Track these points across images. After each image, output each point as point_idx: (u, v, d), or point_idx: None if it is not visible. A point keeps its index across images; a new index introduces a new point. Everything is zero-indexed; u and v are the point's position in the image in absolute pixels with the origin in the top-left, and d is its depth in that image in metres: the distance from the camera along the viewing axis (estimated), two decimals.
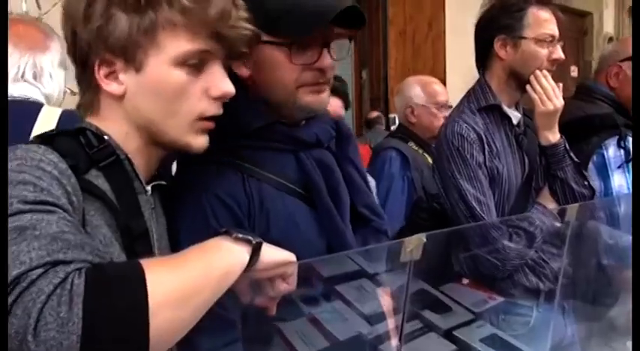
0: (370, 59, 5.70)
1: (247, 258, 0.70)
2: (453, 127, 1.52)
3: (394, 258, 0.96)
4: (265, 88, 1.00)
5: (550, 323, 1.40)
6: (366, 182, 1.14)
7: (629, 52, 1.87)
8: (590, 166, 1.74)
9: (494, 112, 1.56)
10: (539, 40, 1.51)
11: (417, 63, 5.64)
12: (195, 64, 0.79)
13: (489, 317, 1.50)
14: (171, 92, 0.77)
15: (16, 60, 1.44)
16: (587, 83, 1.97)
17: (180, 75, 0.77)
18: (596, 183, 1.71)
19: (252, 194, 0.97)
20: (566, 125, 1.81)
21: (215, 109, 0.82)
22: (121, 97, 0.78)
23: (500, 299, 1.57)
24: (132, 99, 0.78)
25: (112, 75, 0.78)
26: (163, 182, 0.87)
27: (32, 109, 1.39)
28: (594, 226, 1.67)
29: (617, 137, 1.72)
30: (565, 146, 1.53)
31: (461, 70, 6.79)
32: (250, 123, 1.00)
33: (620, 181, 1.72)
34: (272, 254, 0.75)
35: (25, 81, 1.43)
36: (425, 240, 0.92)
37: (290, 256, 0.78)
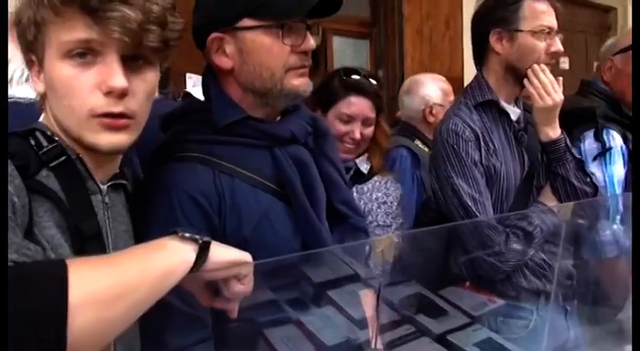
0: (386, 59, 5.65)
1: (193, 257, 0.68)
2: (448, 124, 1.48)
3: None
4: (252, 75, 1.00)
5: (545, 326, 1.35)
6: (344, 179, 1.12)
7: (622, 45, 1.84)
8: None
9: (491, 108, 1.51)
10: (535, 33, 1.45)
11: (434, 62, 5.57)
12: (81, 55, 0.74)
13: (488, 320, 1.46)
14: (59, 87, 0.75)
15: (19, 62, 1.45)
16: (587, 79, 1.94)
17: (65, 68, 0.74)
18: None
19: (223, 191, 0.96)
20: None
21: (110, 106, 0.76)
22: (45, 97, 0.78)
23: (501, 302, 1.52)
24: (48, 98, 0.78)
25: (35, 75, 0.78)
26: (124, 181, 0.86)
27: (36, 111, 1.40)
28: (599, 224, 1.61)
29: (594, 129, 1.69)
30: (566, 142, 1.48)
31: None
32: (222, 118, 1.00)
33: (597, 173, 1.67)
34: (223, 254, 0.73)
35: (29, 83, 1.45)
36: (396, 240, 0.89)
37: (244, 256, 0.76)
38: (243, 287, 0.76)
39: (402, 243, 1.57)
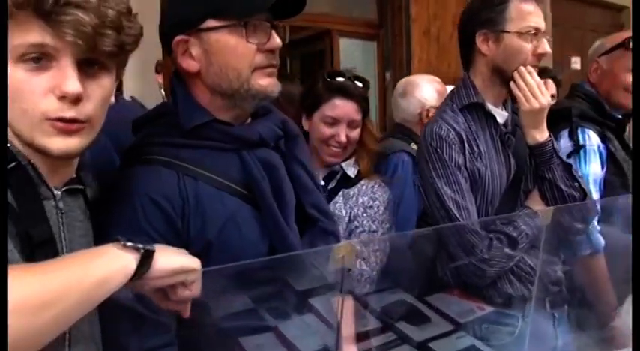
0: (394, 60, 5.62)
1: (133, 266, 0.68)
2: (432, 127, 1.46)
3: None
4: (218, 76, 1.00)
5: (527, 332, 1.32)
6: (315, 182, 1.11)
7: (607, 46, 1.85)
8: None
9: (478, 110, 1.49)
10: (522, 34, 1.43)
11: (442, 63, 5.53)
12: (36, 60, 0.74)
13: (474, 328, 1.43)
14: (12, 90, 0.74)
15: None
16: (576, 81, 1.94)
17: (18, 72, 0.74)
18: None
19: (187, 194, 0.96)
20: None
21: (64, 111, 0.75)
22: None
23: (489, 309, 1.49)
24: None
25: None
26: (80, 186, 0.85)
27: None
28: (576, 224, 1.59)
29: (568, 129, 1.70)
30: (553, 146, 1.44)
31: None
32: (189, 121, 1.00)
33: None
34: (169, 261, 0.72)
35: None
36: (358, 247, 0.88)
37: (191, 263, 0.75)
38: (190, 292, 0.75)
39: (386, 248, 1.56)
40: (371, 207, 1.64)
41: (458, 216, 1.38)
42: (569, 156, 1.69)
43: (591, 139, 1.73)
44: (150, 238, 0.91)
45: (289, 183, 1.06)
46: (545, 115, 1.45)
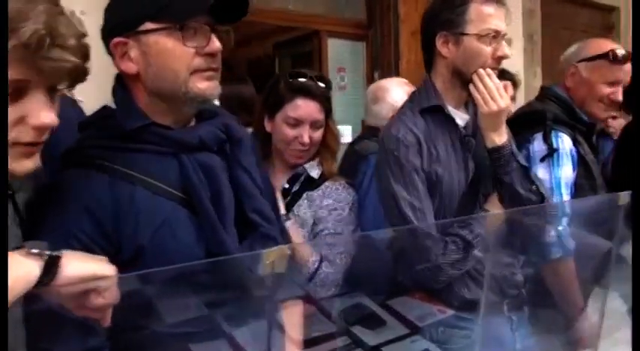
0: (382, 60, 5.60)
1: (37, 273, 0.67)
2: (390, 129, 1.45)
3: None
4: (157, 79, 0.99)
5: (485, 336, 1.31)
6: (259, 187, 1.10)
7: (588, 53, 1.82)
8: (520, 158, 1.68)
9: (437, 113, 1.48)
10: (481, 37, 1.42)
11: None
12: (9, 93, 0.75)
13: (430, 331, 1.43)
14: None
15: None
16: (546, 84, 1.92)
17: None
18: None
19: (119, 198, 0.95)
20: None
21: (32, 137, 0.79)
22: None
23: (450, 312, 1.49)
24: None
25: None
26: (9, 191, 0.85)
27: None
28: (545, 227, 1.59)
29: (542, 132, 1.69)
30: (512, 149, 1.44)
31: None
32: (127, 124, 1.00)
33: (543, 175, 1.67)
34: (78, 268, 0.71)
35: None
36: (289, 252, 0.87)
37: (103, 270, 0.74)
38: (104, 300, 0.74)
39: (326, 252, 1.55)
40: (335, 209, 1.63)
41: (413, 219, 1.37)
42: (543, 159, 1.69)
43: (564, 142, 1.72)
44: (79, 242, 0.90)
45: (229, 187, 1.05)
46: (504, 118, 1.44)
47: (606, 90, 1.79)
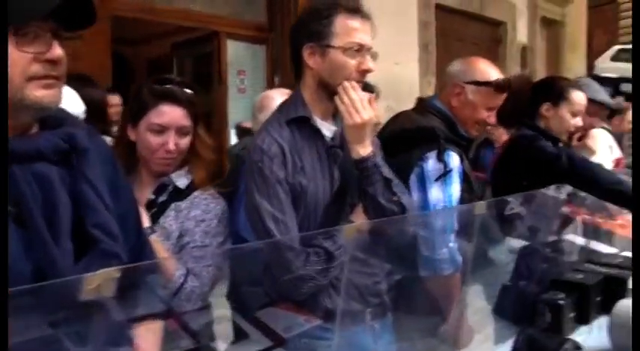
0: (283, 64, 5.61)
1: None
2: (255, 140, 1.44)
3: None
4: None
5: (345, 346, 1.33)
6: (104, 200, 1.04)
7: (475, 75, 1.85)
8: (412, 177, 1.71)
9: (304, 124, 1.48)
10: (346, 50, 1.44)
11: None
12: None
13: (295, 342, 1.42)
14: None
15: None
16: (424, 97, 1.96)
17: None
18: (415, 195, 1.69)
19: None
20: (392, 136, 1.78)
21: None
22: None
23: (318, 321, 1.49)
24: None
25: None
26: None
27: None
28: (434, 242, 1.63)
29: (436, 151, 1.69)
30: (375, 161, 1.47)
31: (375, 76, 6.80)
32: None
33: (438, 194, 1.69)
34: None
35: None
36: (117, 275, 0.82)
37: None
38: None
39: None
40: (203, 220, 1.58)
41: (276, 231, 1.36)
42: (438, 179, 1.70)
43: (454, 160, 1.75)
44: None
45: (67, 200, 0.99)
46: (368, 130, 1.47)
47: (484, 114, 1.86)
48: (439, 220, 1.65)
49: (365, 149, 1.45)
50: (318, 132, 1.49)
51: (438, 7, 6.04)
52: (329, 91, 1.46)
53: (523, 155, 2.23)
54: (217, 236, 1.58)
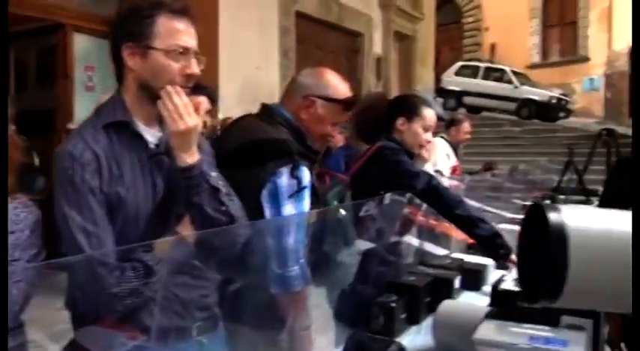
0: None
1: None
2: (66, 145, 1.31)
3: None
4: None
5: None
6: None
7: (327, 91, 1.83)
8: (264, 193, 1.66)
9: (124, 129, 1.38)
10: (169, 52, 1.36)
11: None
12: None
13: None
14: None
15: None
16: (270, 105, 1.90)
17: None
18: (267, 211, 1.65)
19: None
20: (241, 146, 1.73)
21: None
22: None
23: (143, 338, 1.39)
24: None
25: None
26: None
27: None
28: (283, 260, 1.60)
29: (290, 166, 1.65)
30: (202, 169, 1.40)
31: (235, 80, 6.76)
32: None
33: (291, 210, 1.66)
34: None
35: None
36: None
37: None
38: None
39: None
40: (13, 232, 1.41)
41: (86, 245, 1.25)
42: (291, 195, 1.66)
43: (306, 176, 1.71)
44: None
45: None
46: (194, 136, 1.40)
47: (329, 129, 1.87)
48: (290, 236, 1.63)
49: (192, 157, 1.39)
50: (139, 138, 1.39)
51: (298, 14, 6.14)
52: (151, 94, 1.38)
53: (386, 166, 2.29)
54: (29, 248, 1.43)
